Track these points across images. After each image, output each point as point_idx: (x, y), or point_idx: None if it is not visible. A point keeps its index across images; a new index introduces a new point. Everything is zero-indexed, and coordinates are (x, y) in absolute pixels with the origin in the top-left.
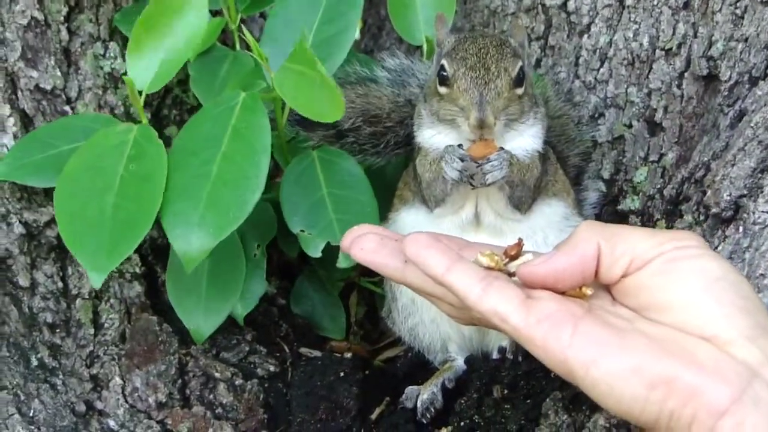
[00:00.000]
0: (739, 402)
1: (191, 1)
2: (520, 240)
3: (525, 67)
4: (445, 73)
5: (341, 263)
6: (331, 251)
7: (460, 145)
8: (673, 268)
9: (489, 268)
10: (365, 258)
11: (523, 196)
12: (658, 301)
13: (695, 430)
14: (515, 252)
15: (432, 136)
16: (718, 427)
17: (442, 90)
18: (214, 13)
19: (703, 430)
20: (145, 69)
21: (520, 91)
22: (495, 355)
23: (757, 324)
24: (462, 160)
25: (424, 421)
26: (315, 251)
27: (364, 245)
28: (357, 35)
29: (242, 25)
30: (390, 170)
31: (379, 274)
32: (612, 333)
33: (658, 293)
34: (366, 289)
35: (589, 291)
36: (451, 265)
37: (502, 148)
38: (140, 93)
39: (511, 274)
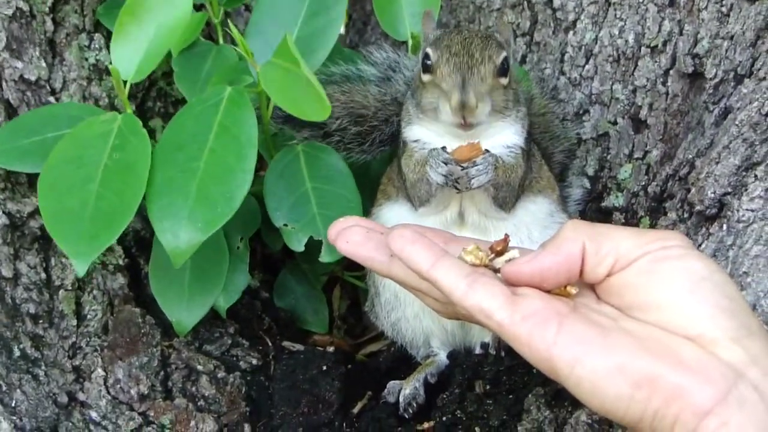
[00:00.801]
0: (724, 403)
1: None
2: (507, 236)
3: (510, 60)
4: (429, 61)
5: (324, 257)
6: (315, 245)
7: (443, 148)
8: (658, 267)
9: (473, 266)
10: (351, 251)
11: (507, 196)
12: (643, 300)
13: (678, 430)
14: (501, 248)
15: (420, 133)
16: (702, 427)
17: (426, 77)
18: (197, 8)
19: (686, 430)
20: (130, 58)
21: (504, 81)
22: (478, 351)
23: (742, 324)
24: (446, 163)
25: (407, 416)
26: (298, 245)
27: (350, 238)
28: (342, 30)
29: (228, 19)
30: (375, 165)
31: (364, 267)
32: (597, 332)
33: (643, 292)
34: (349, 284)
35: (573, 290)
36: (436, 261)
37: (487, 151)
38: (125, 83)
39: (496, 270)
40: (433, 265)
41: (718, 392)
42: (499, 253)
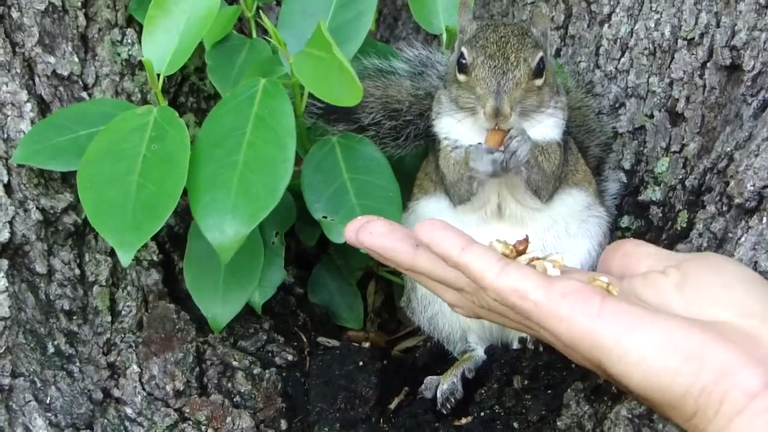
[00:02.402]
0: None
1: None
2: (527, 237)
3: (546, 56)
4: (464, 61)
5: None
6: None
7: (480, 144)
8: (707, 266)
9: (503, 255)
10: (374, 242)
11: (540, 180)
12: (691, 290)
13: (726, 408)
14: (523, 247)
15: (450, 125)
16: (750, 407)
17: (461, 77)
18: (230, 2)
19: (733, 408)
20: (162, 51)
21: (539, 81)
22: (515, 346)
23: None
24: (490, 152)
25: (444, 412)
26: (338, 237)
27: (374, 230)
28: (373, 25)
29: (260, 11)
30: (409, 160)
31: (386, 260)
32: (644, 310)
33: (691, 284)
34: (384, 279)
35: (614, 291)
36: (467, 246)
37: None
38: (158, 76)
39: None
40: (464, 249)
41: (766, 375)
42: (520, 253)
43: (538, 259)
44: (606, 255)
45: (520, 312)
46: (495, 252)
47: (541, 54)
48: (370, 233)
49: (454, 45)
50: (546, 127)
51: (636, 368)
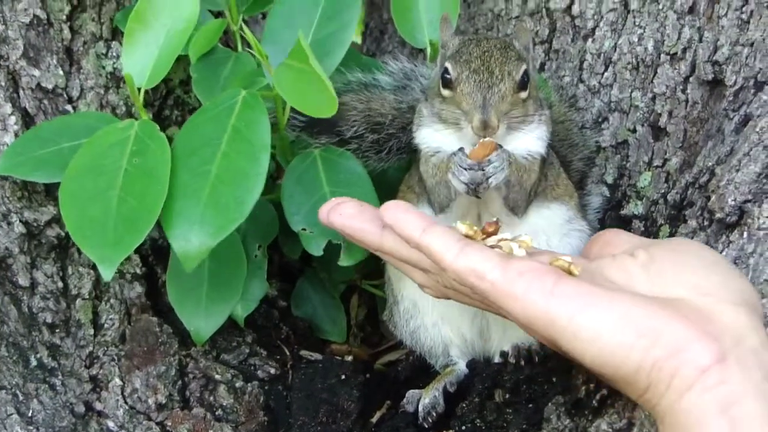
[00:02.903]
0: (724, 362)
1: None
2: (497, 220)
3: (529, 69)
4: (448, 76)
5: (343, 261)
6: (333, 253)
7: (461, 149)
8: (672, 250)
9: (467, 236)
10: (344, 223)
11: (519, 199)
12: (656, 270)
13: (677, 383)
14: (492, 229)
15: (431, 136)
16: (700, 382)
17: (446, 92)
18: (216, 15)
19: (684, 383)
20: (142, 64)
21: (524, 94)
22: (497, 359)
23: (747, 301)
24: (467, 169)
25: (426, 425)
26: (317, 250)
27: (343, 211)
28: (359, 39)
29: (243, 25)
30: (392, 173)
31: (356, 241)
32: (597, 288)
33: (656, 265)
34: (367, 292)
35: (576, 270)
36: (428, 228)
37: (500, 146)
38: (139, 90)
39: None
40: (425, 231)
41: (719, 351)
42: (490, 234)
43: (505, 240)
44: (588, 245)
45: (478, 292)
46: (455, 233)
47: (524, 67)
48: (340, 214)
49: (437, 60)
50: (531, 140)
51: (590, 345)
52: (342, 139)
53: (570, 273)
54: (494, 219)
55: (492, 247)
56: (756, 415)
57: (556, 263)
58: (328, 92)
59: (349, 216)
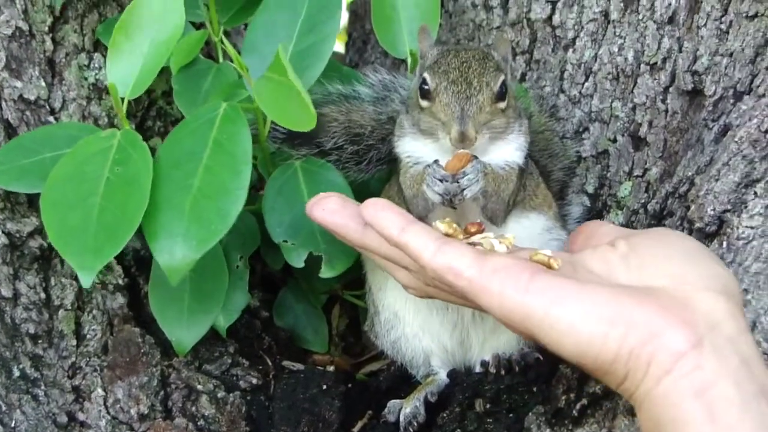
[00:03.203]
0: (699, 347)
1: (167, 4)
2: (481, 221)
3: (508, 80)
4: (426, 87)
5: (324, 273)
6: (315, 264)
7: (436, 162)
8: (653, 239)
9: (447, 235)
10: (326, 218)
11: (497, 209)
12: (636, 258)
13: (653, 369)
14: (475, 229)
15: (411, 146)
16: (677, 368)
17: (424, 103)
18: (197, 26)
19: (661, 369)
20: (126, 75)
21: (502, 105)
22: (478, 369)
23: (726, 288)
24: (442, 181)
25: None
26: (298, 261)
27: (326, 206)
28: (341, 49)
29: (223, 36)
30: (374, 184)
31: (339, 237)
32: (571, 282)
33: (636, 254)
34: (348, 302)
35: (556, 264)
36: (407, 226)
37: (475, 157)
38: (122, 100)
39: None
40: (404, 230)
41: (694, 337)
42: (472, 234)
43: (487, 237)
44: (572, 237)
45: (455, 290)
46: (433, 232)
47: (503, 77)
48: (323, 209)
49: (417, 70)
50: (509, 150)
51: (566, 337)
52: (322, 151)
53: (550, 267)
54: (477, 220)
55: (473, 244)
56: (731, 399)
57: (535, 258)
58: (306, 107)
59: (332, 211)
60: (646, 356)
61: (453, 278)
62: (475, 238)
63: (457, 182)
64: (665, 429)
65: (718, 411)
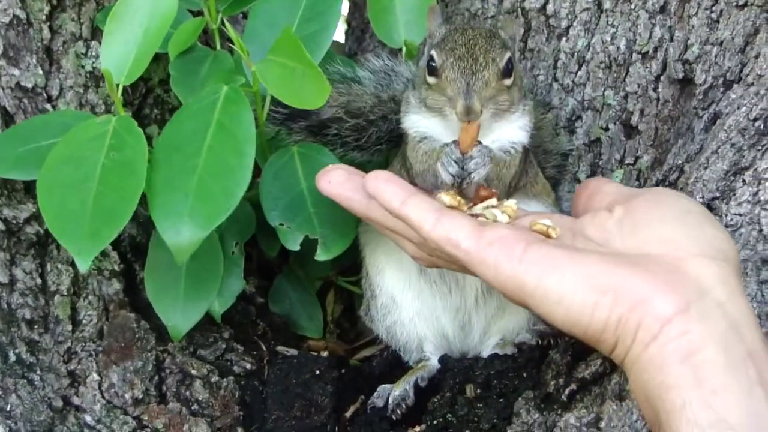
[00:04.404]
0: (686, 312)
1: None
2: (491, 186)
3: (514, 58)
4: (434, 63)
5: (320, 256)
6: (310, 250)
7: (455, 142)
8: (648, 201)
9: (451, 207)
10: (332, 190)
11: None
12: (631, 223)
13: (641, 335)
14: (486, 193)
15: (419, 122)
16: (664, 332)
17: (431, 80)
18: (195, 14)
19: (648, 335)
20: (120, 61)
21: (508, 81)
22: (470, 355)
23: (720, 250)
24: (457, 163)
25: (395, 417)
26: (294, 244)
27: (333, 178)
28: (342, 38)
29: (225, 20)
30: (371, 168)
31: (345, 208)
32: (564, 251)
33: (631, 218)
34: (343, 289)
35: (554, 233)
36: (408, 198)
37: (479, 142)
38: (117, 86)
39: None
40: (404, 202)
41: (681, 302)
42: (483, 199)
43: (490, 207)
44: (576, 196)
45: (454, 260)
46: (434, 203)
47: (509, 54)
48: (329, 181)
49: (422, 50)
50: (514, 130)
51: (558, 307)
52: (321, 122)
53: (548, 236)
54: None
55: (477, 215)
56: (718, 363)
57: (535, 227)
58: (320, 81)
59: (338, 183)
60: (634, 322)
61: (451, 249)
62: (478, 209)
63: (465, 167)
64: (653, 393)
65: (705, 375)
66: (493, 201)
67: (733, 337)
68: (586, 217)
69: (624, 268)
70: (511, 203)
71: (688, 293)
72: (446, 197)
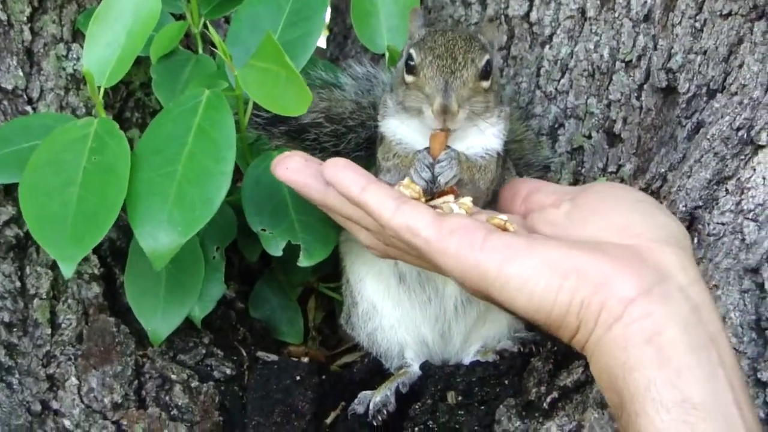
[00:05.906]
0: (648, 294)
1: None
2: (453, 186)
3: (493, 62)
4: (412, 62)
5: (302, 262)
6: (292, 255)
7: (427, 149)
8: (599, 192)
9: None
10: (289, 177)
11: (473, 199)
12: (585, 214)
13: (604, 316)
14: (447, 190)
15: (396, 127)
16: (627, 314)
17: (409, 78)
18: (177, 17)
19: (611, 316)
20: (102, 63)
21: (486, 84)
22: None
23: (676, 240)
24: (429, 168)
25: (375, 424)
26: (276, 250)
27: (290, 165)
28: (324, 43)
29: (209, 23)
30: None
31: (302, 195)
32: (524, 239)
33: (585, 208)
34: (324, 295)
35: (512, 227)
36: (367, 185)
37: (448, 147)
38: (99, 88)
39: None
40: (364, 189)
41: (643, 284)
42: (442, 194)
43: (447, 202)
44: (501, 198)
45: (413, 249)
46: (393, 191)
47: (488, 57)
48: (286, 168)
49: (403, 51)
50: (488, 136)
51: (519, 293)
52: (301, 126)
53: (505, 230)
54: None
55: (434, 207)
56: (681, 343)
57: (492, 221)
58: (302, 89)
59: (295, 170)
60: (597, 304)
61: (411, 237)
62: (436, 201)
63: (432, 171)
64: (616, 375)
65: (669, 355)
66: (451, 197)
67: (695, 320)
68: (533, 215)
69: (585, 253)
70: (466, 200)
71: (649, 276)
72: (406, 190)
